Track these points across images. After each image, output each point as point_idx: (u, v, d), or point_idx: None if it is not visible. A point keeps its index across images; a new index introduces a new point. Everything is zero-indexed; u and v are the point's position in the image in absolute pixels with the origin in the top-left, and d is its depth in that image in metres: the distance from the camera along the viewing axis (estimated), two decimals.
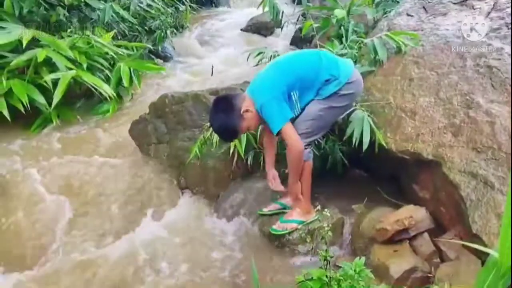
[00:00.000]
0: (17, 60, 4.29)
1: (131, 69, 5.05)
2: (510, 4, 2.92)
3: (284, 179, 2.88)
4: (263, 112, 2.53)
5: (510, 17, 2.83)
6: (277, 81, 2.56)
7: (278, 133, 2.55)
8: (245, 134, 3.14)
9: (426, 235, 2.49)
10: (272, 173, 2.92)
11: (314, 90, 2.58)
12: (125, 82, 4.92)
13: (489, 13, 2.97)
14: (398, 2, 3.95)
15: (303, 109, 2.63)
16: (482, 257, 2.23)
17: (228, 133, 2.63)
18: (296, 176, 2.68)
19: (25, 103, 4.16)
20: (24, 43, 4.23)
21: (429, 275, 2.32)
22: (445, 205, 2.56)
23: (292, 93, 2.57)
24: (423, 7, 3.39)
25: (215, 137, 3.14)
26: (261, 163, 3.26)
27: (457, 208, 2.44)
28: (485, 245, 2.10)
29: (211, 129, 3.20)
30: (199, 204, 3.41)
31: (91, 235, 3.15)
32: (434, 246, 2.44)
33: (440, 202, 2.59)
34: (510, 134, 2.33)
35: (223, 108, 2.57)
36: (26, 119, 4.38)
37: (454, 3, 3.24)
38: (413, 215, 2.48)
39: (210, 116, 2.65)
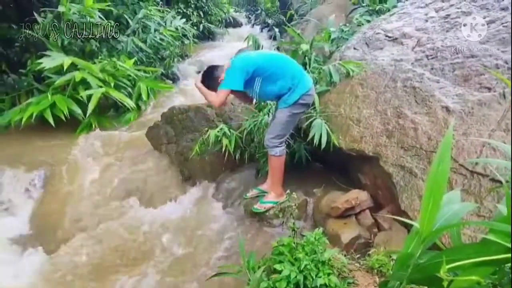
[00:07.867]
0: (59, 80, 4.28)
1: (148, 87, 5.09)
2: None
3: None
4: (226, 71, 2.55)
5: (429, 51, 2.86)
6: (251, 60, 2.56)
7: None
8: (234, 138, 3.13)
9: (367, 211, 2.51)
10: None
11: (276, 88, 2.55)
12: (144, 97, 4.97)
13: (413, 47, 3.01)
14: (347, 39, 3.97)
15: (274, 115, 2.67)
16: (408, 227, 2.26)
17: (209, 89, 2.64)
18: None
19: (65, 113, 4.17)
20: (65, 67, 4.22)
21: (370, 241, 2.34)
22: (381, 189, 2.59)
23: (256, 78, 2.55)
24: (366, 43, 3.41)
25: (211, 139, 3.11)
26: (246, 159, 3.24)
27: (390, 191, 2.47)
28: (410, 219, 2.13)
29: (208, 132, 3.18)
30: (198, 190, 3.37)
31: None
32: (373, 220, 2.47)
33: (378, 187, 2.61)
34: (431, 138, 2.37)
35: (208, 74, 2.67)
36: (66, 126, 4.33)
37: (388, 40, 3.28)
38: (358, 196, 2.51)
39: (202, 76, 2.70)
